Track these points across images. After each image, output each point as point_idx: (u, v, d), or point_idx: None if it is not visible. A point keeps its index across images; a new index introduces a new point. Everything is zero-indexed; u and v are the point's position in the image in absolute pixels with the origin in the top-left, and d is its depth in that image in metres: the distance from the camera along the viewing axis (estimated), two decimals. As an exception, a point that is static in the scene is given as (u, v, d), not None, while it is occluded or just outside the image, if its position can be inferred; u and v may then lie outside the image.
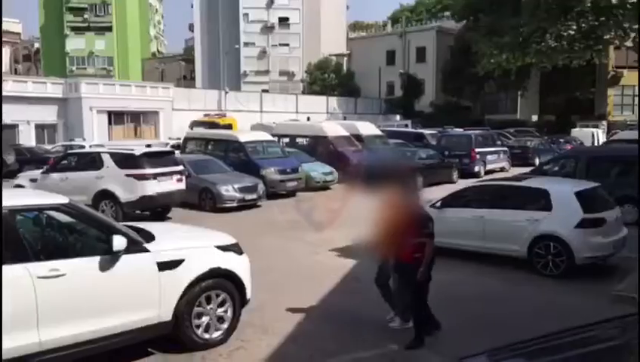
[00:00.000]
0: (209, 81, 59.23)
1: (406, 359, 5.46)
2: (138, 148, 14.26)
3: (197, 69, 65.52)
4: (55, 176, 13.34)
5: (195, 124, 30.39)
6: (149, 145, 17.40)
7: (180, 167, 13.49)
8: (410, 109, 49.79)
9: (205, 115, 33.39)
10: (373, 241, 5.91)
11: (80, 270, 4.80)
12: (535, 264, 8.50)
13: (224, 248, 5.89)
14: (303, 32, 62.49)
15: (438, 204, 9.68)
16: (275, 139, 20.86)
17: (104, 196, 12.46)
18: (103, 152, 13.50)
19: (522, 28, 28.59)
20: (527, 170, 18.64)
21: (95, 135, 33.40)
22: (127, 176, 12.41)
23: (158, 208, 13.24)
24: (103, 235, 5.06)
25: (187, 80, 66.86)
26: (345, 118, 39.64)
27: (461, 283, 8.09)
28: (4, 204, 4.64)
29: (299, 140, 22.61)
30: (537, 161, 24.31)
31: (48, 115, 34.51)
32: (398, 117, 46.99)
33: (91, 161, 13.30)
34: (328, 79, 56.25)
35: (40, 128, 34.28)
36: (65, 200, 5.17)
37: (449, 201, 9.71)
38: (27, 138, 32.60)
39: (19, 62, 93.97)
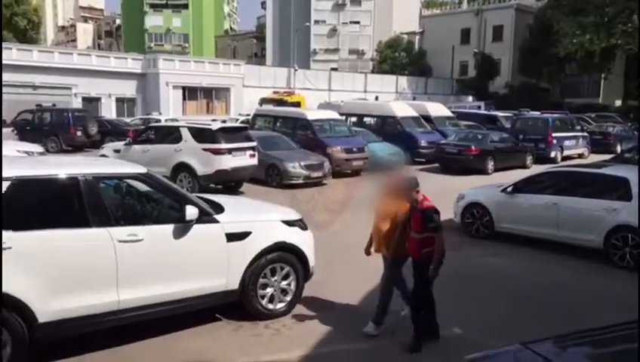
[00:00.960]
0: (279, 59, 59.82)
1: (463, 342, 5.41)
2: (214, 123, 14.55)
3: (268, 46, 66.27)
4: (137, 147, 13.85)
5: (264, 101, 30.85)
6: (224, 121, 17.61)
7: (254, 143, 13.71)
8: (483, 90, 48.18)
9: (274, 93, 33.81)
10: (373, 237, 5.62)
11: (155, 236, 5.07)
12: (611, 256, 8.11)
13: (289, 223, 6.04)
14: (375, 10, 61.58)
15: (509, 189, 9.41)
16: (343, 117, 20.86)
17: (182, 168, 12.84)
18: (182, 126, 13.84)
19: (608, 8, 26.78)
20: (608, 157, 17.66)
21: (170, 109, 34.71)
22: (204, 150, 12.72)
23: (231, 182, 13.58)
24: (176, 205, 5.31)
25: (258, 57, 67.85)
26: (414, 98, 38.93)
27: (526, 270, 7.88)
28: (89, 170, 4.98)
29: (366, 120, 22.49)
30: (619, 149, 22.96)
31: (128, 89, 36.15)
32: (470, 98, 45.62)
33: (171, 135, 13.68)
34: (399, 58, 55.30)
35: (120, 102, 36.00)
36: (143, 170, 5.46)
37: (521, 186, 9.40)
38: (108, 111, 34.37)
39: (101, 37, 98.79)
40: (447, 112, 24.77)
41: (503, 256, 8.70)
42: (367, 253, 5.82)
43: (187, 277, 5.20)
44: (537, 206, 8.91)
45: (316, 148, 16.60)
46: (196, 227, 5.20)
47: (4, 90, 30.71)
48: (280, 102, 28.97)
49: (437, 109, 24.42)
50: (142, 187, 5.54)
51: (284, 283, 5.87)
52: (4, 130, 20.89)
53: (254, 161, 13.64)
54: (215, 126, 13.61)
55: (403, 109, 22.40)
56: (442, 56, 52.40)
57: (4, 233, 4.28)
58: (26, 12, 51.40)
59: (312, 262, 6.08)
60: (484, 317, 6.07)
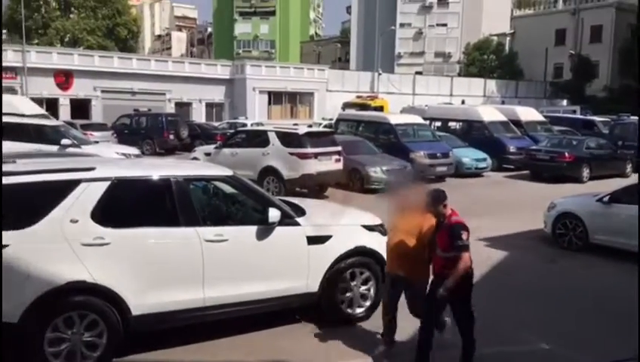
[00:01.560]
0: (363, 63, 59.87)
1: (551, 357, 5.12)
2: (301, 127, 14.78)
3: (352, 50, 66.53)
4: (226, 151, 14.26)
5: (347, 105, 30.99)
6: (310, 125, 17.79)
7: (339, 148, 13.76)
8: (579, 94, 45.50)
9: (357, 97, 33.87)
10: (391, 256, 5.07)
11: (240, 237, 5.22)
12: None
13: (370, 228, 6.00)
14: (463, 12, 60.06)
15: (606, 199, 8.81)
16: (427, 122, 20.49)
17: (269, 172, 13.09)
18: (269, 131, 14.12)
19: None
20: None
21: (256, 114, 35.76)
22: (291, 154, 12.92)
23: (316, 186, 13.72)
24: (260, 207, 5.45)
25: (342, 62, 68.29)
26: (503, 102, 37.55)
27: (622, 285, 7.32)
28: (181, 172, 5.24)
29: (451, 124, 21.95)
30: None
31: (217, 94, 37.69)
32: (564, 102, 43.30)
33: (259, 139, 13.98)
34: (488, 60, 53.57)
35: (209, 106, 37.61)
36: (230, 172, 5.66)
37: (619, 196, 8.77)
38: (198, 115, 36.00)
39: (194, 45, 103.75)
40: (538, 117, 23.66)
41: (598, 269, 8.16)
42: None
43: (268, 277, 5.31)
44: (636, 217, 8.27)
45: (399, 152, 16.39)
46: (278, 229, 5.30)
47: (107, 96, 33.21)
48: (363, 107, 28.98)
49: (528, 114, 23.39)
50: (228, 189, 5.73)
51: (363, 288, 5.84)
52: (106, 133, 22.45)
53: (339, 166, 13.70)
54: (302, 130, 13.81)
55: (491, 113, 21.66)
56: (534, 58, 50.15)
57: (105, 229, 4.59)
58: (127, 22, 55.00)
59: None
60: (574, 333, 5.72)
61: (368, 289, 5.86)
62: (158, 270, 4.81)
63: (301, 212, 5.75)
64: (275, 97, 38.77)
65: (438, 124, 22.13)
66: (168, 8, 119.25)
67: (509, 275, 7.61)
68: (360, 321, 5.79)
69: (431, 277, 4.83)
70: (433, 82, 46.71)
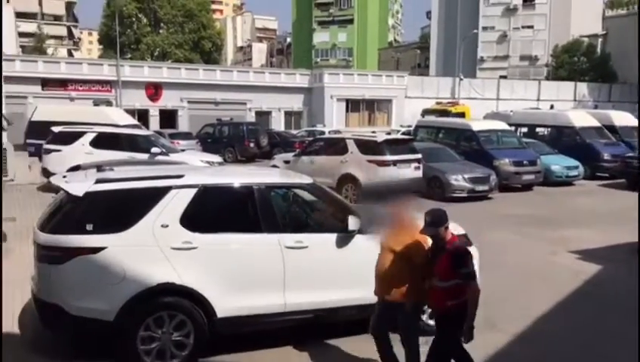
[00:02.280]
0: (443, 69, 58.75)
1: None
2: (379, 135, 14.73)
3: (432, 56, 65.48)
4: (305, 158, 14.49)
5: (426, 111, 30.48)
6: (388, 133, 17.67)
7: (419, 155, 13.57)
8: (680, 96, 42.08)
9: (437, 103, 33.24)
10: (379, 278, 4.46)
11: (319, 244, 5.24)
12: None
13: (452, 237, 5.83)
14: (551, 12, 57.51)
15: None
16: (512, 128, 19.73)
17: (347, 180, 13.10)
18: (347, 138, 14.15)
19: None
20: None
21: (334, 121, 36.03)
22: (369, 161, 12.88)
23: None
24: (339, 215, 5.45)
25: (421, 68, 67.37)
26: (596, 107, 35.40)
27: None
28: (262, 180, 5.36)
29: (539, 130, 21.01)
30: None
31: (295, 102, 38.38)
32: (663, 105, 40.14)
33: (337, 147, 14.07)
34: (578, 63, 50.86)
35: (288, 115, 38.37)
36: (310, 180, 5.72)
37: None
38: (277, 123, 36.82)
39: (273, 55, 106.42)
40: (634, 122, 22.10)
41: None
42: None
43: (348, 285, 5.28)
44: None
45: (482, 160, 15.90)
46: (358, 237, 5.28)
47: (192, 106, 34.78)
48: (443, 113, 28.39)
49: (623, 118, 21.95)
50: (308, 196, 5.79)
51: (445, 299, 5.67)
52: (191, 142, 23.49)
53: (419, 174, 13.49)
54: (380, 138, 13.72)
55: (582, 119, 20.50)
56: (629, 59, 46.97)
57: (193, 234, 4.78)
58: (212, 36, 57.44)
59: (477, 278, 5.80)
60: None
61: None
62: (241, 274, 4.92)
63: (381, 220, 5.69)
64: (352, 105, 38.88)
65: (525, 130, 21.26)
66: (250, 20, 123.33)
67: (600, 288, 7.13)
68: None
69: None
70: (519, 86, 44.97)
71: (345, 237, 5.26)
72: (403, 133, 24.46)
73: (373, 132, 18.80)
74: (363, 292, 5.29)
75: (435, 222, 4.08)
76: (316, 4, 79.49)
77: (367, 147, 13.25)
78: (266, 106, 37.16)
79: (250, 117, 35.79)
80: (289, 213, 5.84)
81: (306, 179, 5.76)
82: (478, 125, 18.32)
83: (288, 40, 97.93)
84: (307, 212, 5.94)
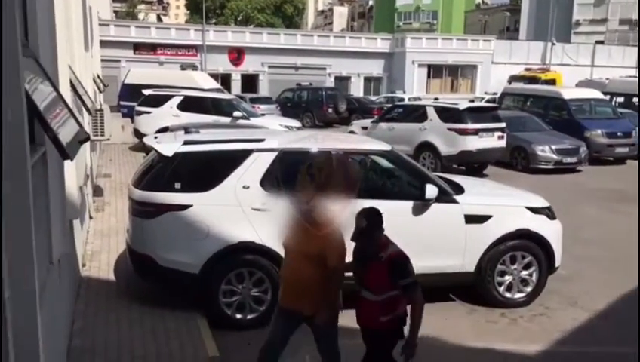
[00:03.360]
0: (534, 32, 55.36)
1: None
2: (462, 102, 14.35)
3: (522, 19, 61.91)
4: (383, 125, 14.29)
5: (513, 78, 29.11)
6: (472, 100, 17.15)
7: (502, 124, 13.16)
8: None
9: (526, 69, 31.59)
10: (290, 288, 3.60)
11: (395, 211, 5.20)
12: None
13: (535, 210, 5.66)
14: (658, -30, 52.27)
15: None
16: (607, 97, 18.44)
17: (425, 147, 12.96)
18: (427, 105, 13.86)
19: None
20: None
21: (414, 88, 35.26)
22: (449, 130, 12.61)
23: (475, 164, 13.25)
24: (417, 183, 5.41)
25: (510, 32, 63.89)
26: None
27: None
28: (340, 146, 5.40)
29: (636, 100, 19.50)
30: None
31: (375, 68, 37.82)
32: None
33: (416, 114, 13.79)
34: (686, 26, 46.21)
35: (367, 80, 37.93)
36: (388, 147, 5.70)
37: None
38: (356, 89, 36.54)
39: (354, 19, 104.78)
40: None
41: None
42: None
43: (423, 254, 5.23)
44: None
45: (572, 130, 15.05)
46: (435, 206, 5.24)
47: (273, 71, 35.22)
48: (532, 80, 27.00)
49: None
50: (385, 163, 5.78)
51: (524, 272, 5.55)
52: (271, 106, 23.92)
53: (502, 143, 13.09)
54: (462, 105, 13.39)
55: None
56: None
57: (271, 196, 4.94)
58: (294, 0, 57.37)
59: (558, 254, 5.62)
60: None
61: (530, 275, 5.56)
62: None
63: (460, 190, 5.61)
64: (434, 70, 37.80)
65: (621, 99, 19.81)
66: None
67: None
68: (519, 306, 5.53)
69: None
70: (617, 53, 41.72)
71: (422, 206, 5.24)
72: (488, 101, 23.56)
73: (471, 101, 18.17)
74: (440, 261, 5.33)
75: (373, 225, 3.33)
76: (401, -35, 76.98)
77: (448, 115, 12.93)
78: (345, 72, 36.93)
79: (330, 82, 35.74)
80: (366, 178, 5.86)
81: (384, 146, 5.75)
82: (569, 93, 17.28)
83: (370, 3, 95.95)
84: (384, 179, 5.94)
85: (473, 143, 12.42)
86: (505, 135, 13.05)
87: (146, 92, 15.94)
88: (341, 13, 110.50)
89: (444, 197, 5.30)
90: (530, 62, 37.16)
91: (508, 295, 5.54)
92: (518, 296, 5.56)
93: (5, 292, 2.04)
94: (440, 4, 74.91)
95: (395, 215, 5.20)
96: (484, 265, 5.40)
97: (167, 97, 15.61)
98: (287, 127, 15.31)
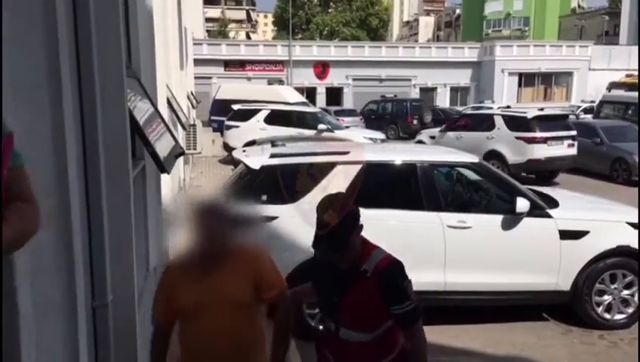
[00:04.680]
0: (635, 37, 51.72)
1: None
2: (530, 111, 14.22)
3: (622, 22, 58.01)
4: (451, 134, 14.37)
5: (613, 85, 27.27)
6: (541, 109, 17.28)
7: (573, 132, 13.01)
8: None
9: (627, 76, 29.49)
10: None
11: (483, 225, 5.10)
12: None
13: (637, 226, 5.26)
14: None
15: None
16: None
17: (493, 156, 12.80)
18: (495, 114, 13.95)
19: None
20: None
21: (504, 97, 34.04)
22: (517, 138, 12.57)
23: (545, 172, 12.93)
24: (506, 196, 5.24)
25: (609, 36, 60.09)
26: None
27: None
28: (426, 158, 5.35)
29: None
30: None
31: (462, 78, 36.97)
32: None
33: (484, 122, 13.85)
34: None
35: (454, 90, 37.15)
36: (475, 159, 5.57)
37: None
38: (442, 100, 35.89)
39: (441, 29, 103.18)
40: None
41: None
42: None
43: (513, 270, 5.08)
44: None
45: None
46: (526, 220, 5.03)
47: (357, 83, 35.43)
48: (633, 87, 25.19)
49: None
50: (472, 175, 5.64)
51: (625, 292, 5.17)
52: (355, 118, 24.07)
53: (572, 151, 12.93)
54: (530, 114, 13.32)
55: None
56: None
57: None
58: (379, 12, 57.57)
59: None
60: None
61: (632, 295, 5.18)
62: (400, 250, 4.95)
63: (553, 203, 5.35)
64: (526, 79, 36.35)
65: None
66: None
67: None
68: (620, 328, 5.15)
69: None
70: None
71: (512, 219, 5.05)
72: (584, 110, 22.30)
73: (541, 109, 17.67)
74: (532, 277, 5.10)
75: (345, 224, 2.14)
76: (491, -28, 74.93)
77: (516, 123, 12.91)
78: (431, 82, 36.42)
79: (415, 93, 35.39)
80: (452, 191, 5.75)
81: (472, 158, 5.63)
82: (677, 100, 15.95)
83: (457, 11, 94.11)
84: (472, 191, 5.80)
85: (541, 151, 12.38)
86: (575, 143, 12.92)
87: (235, 107, 16.62)
88: (427, 24, 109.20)
89: (536, 211, 5.08)
90: (632, 67, 34.67)
91: (607, 316, 5.18)
92: (618, 317, 5.19)
93: (108, 296, 2.20)
94: (532, 9, 72.00)
95: (484, 229, 5.09)
96: (580, 283, 5.09)
97: (255, 111, 16.19)
98: (371, 139, 15.34)
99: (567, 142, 12.74)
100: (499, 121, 13.22)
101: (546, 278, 5.11)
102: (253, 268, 2.34)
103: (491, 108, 25.18)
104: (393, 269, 2.22)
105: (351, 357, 2.28)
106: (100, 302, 2.18)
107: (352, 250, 2.19)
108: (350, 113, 25.74)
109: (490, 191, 5.59)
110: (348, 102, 33.91)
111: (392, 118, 25.64)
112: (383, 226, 4.99)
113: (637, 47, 39.23)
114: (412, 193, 5.18)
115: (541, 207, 5.15)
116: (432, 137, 15.15)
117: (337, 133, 15.11)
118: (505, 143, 12.78)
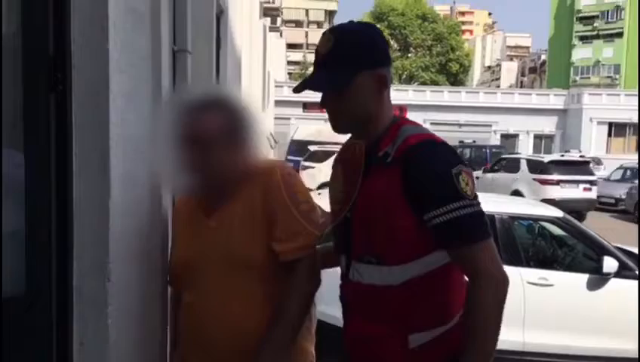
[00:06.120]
0: None
1: None
2: (551, 156, 16.98)
3: None
4: (489, 175, 16.45)
5: None
6: (562, 155, 20.45)
7: (591, 177, 14.50)
8: None
9: None
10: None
11: (566, 284, 4.85)
12: None
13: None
14: None
15: None
16: None
17: (515, 195, 13.62)
18: (521, 158, 16.25)
19: None
20: None
21: (592, 147, 32.51)
22: (534, 179, 14.29)
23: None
24: (593, 254, 4.98)
25: None
26: None
27: None
28: (506, 209, 5.19)
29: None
30: None
31: (547, 125, 35.73)
32: None
33: (512, 165, 15.81)
34: None
35: (538, 138, 35.91)
36: (560, 213, 5.33)
37: None
38: (525, 147, 34.74)
39: (524, 75, 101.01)
40: None
41: None
42: None
43: (598, 333, 4.77)
44: None
45: None
46: (614, 281, 4.73)
47: (434, 128, 35.09)
48: None
49: None
50: (556, 231, 5.41)
51: None
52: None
53: (589, 195, 14.18)
54: (548, 158, 15.61)
55: None
56: None
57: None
58: (460, 58, 57.36)
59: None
60: None
61: None
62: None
63: (643, 263, 5.00)
64: (616, 129, 34.58)
65: None
66: (500, 39, 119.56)
67: None
68: None
69: None
70: None
71: (598, 280, 4.76)
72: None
73: (562, 155, 20.78)
74: (619, 342, 4.75)
75: (343, 44, 1.39)
76: (578, 18, 72.87)
77: (536, 166, 14.73)
78: (512, 129, 35.46)
79: (495, 139, 34.54)
80: (534, 246, 5.53)
81: (556, 212, 5.40)
82: None
83: (542, 57, 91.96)
84: (555, 247, 5.54)
85: (554, 193, 13.66)
86: (594, 188, 14.23)
87: (312, 148, 16.95)
88: (509, 69, 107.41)
89: (625, 271, 4.76)
90: None
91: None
92: None
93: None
94: (623, 56, 69.08)
95: (567, 288, 4.84)
96: (679, 354, 4.67)
97: (331, 153, 16.39)
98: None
99: (582, 186, 14.07)
100: (523, 164, 15.09)
101: (633, 344, 4.73)
102: (263, 204, 1.52)
103: (574, 157, 24.09)
104: (425, 150, 1.34)
105: (364, 312, 1.43)
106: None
107: (359, 100, 1.39)
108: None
109: (575, 247, 5.33)
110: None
111: (470, 164, 24.87)
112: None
113: None
114: (490, 245, 5.02)
115: (631, 268, 4.82)
116: (477, 178, 16.66)
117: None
118: (525, 184, 14.44)
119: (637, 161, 18.73)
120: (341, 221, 1.46)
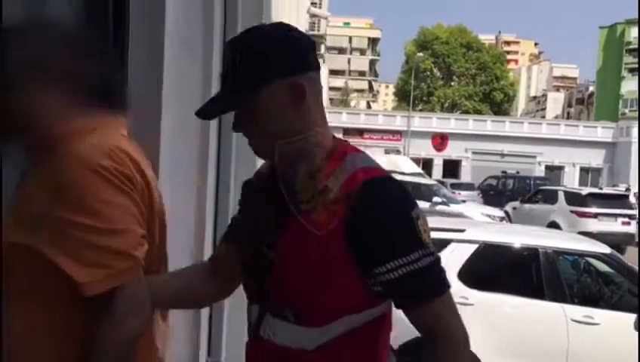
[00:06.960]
0: None
1: None
2: (589, 189, 16.78)
3: None
4: (526, 206, 16.44)
5: None
6: (600, 188, 20.25)
7: (632, 211, 14.25)
8: None
9: None
10: None
11: (613, 323, 4.66)
12: None
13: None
14: None
15: None
16: None
17: (553, 227, 13.45)
18: (559, 190, 16.17)
19: None
20: None
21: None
22: (571, 211, 14.14)
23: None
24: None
25: None
26: None
27: None
28: (550, 243, 5.06)
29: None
30: None
31: (594, 158, 34.79)
32: None
33: (550, 196, 15.73)
34: None
35: (584, 171, 34.96)
36: (607, 250, 5.16)
37: None
38: (571, 180, 33.83)
39: (571, 105, 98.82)
40: None
41: None
42: None
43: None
44: None
45: None
46: (664, 323, 4.51)
47: (476, 157, 34.68)
48: None
49: None
50: (603, 267, 5.22)
51: None
52: (472, 193, 23.45)
53: (628, 229, 13.98)
54: (585, 191, 15.56)
55: None
56: None
57: (469, 290, 4.76)
58: (504, 87, 56.73)
59: None
60: None
61: None
62: (517, 340, 4.68)
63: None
64: (669, 163, 33.29)
65: None
66: (547, 69, 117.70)
67: None
68: None
69: None
70: None
71: (647, 320, 4.55)
72: None
73: (600, 188, 20.66)
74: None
75: (254, 68, 1.12)
76: (628, 50, 71.24)
77: (573, 198, 14.60)
78: (558, 161, 34.66)
79: (539, 171, 33.79)
80: (579, 282, 5.34)
81: (603, 248, 5.22)
82: None
83: (590, 89, 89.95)
84: (601, 284, 5.34)
85: (592, 226, 13.40)
86: (633, 222, 13.89)
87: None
88: (556, 99, 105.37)
89: (680, 313, 4.54)
90: None
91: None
92: None
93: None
94: (676, 89, 66.80)
95: (614, 327, 4.64)
96: None
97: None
98: (488, 215, 14.80)
99: (621, 219, 13.88)
100: (560, 196, 15.01)
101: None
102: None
103: (621, 191, 23.31)
104: (380, 190, 1.12)
105: None
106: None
107: (271, 115, 1.13)
108: (467, 187, 25.10)
109: (623, 286, 5.12)
110: (466, 176, 33.17)
111: (513, 195, 24.54)
112: (497, 313, 4.74)
113: None
114: (532, 280, 4.88)
115: (683, 310, 4.60)
116: (514, 208, 16.95)
117: (453, 207, 14.75)
118: (562, 215, 14.29)
119: None
120: (259, 260, 1.16)
